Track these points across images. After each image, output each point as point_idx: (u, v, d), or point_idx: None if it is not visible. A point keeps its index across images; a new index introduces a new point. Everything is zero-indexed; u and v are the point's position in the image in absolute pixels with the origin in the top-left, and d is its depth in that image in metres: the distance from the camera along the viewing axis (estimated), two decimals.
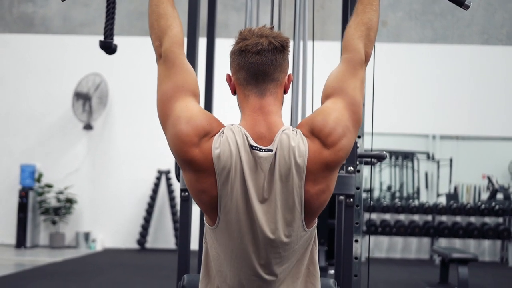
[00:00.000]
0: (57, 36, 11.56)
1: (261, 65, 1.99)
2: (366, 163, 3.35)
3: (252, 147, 1.96)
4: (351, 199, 2.94)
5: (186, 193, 2.98)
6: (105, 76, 11.21)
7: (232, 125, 2.00)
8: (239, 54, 2.02)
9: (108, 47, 3.36)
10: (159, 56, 2.11)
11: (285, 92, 2.07)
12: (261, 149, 1.96)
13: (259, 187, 1.95)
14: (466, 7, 2.42)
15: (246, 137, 1.96)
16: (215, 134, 1.97)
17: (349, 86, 2.07)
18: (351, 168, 2.94)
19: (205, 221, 2.05)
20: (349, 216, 2.98)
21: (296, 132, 1.99)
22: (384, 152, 3.07)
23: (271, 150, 1.96)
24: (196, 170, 1.96)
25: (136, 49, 11.16)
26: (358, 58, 2.14)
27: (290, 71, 2.11)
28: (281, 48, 2.01)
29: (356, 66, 2.12)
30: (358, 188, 3.19)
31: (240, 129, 1.98)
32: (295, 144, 1.95)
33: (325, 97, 2.08)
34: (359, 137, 3.18)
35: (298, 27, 3.51)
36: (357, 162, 3.04)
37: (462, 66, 11.34)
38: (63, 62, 11.49)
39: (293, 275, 2.05)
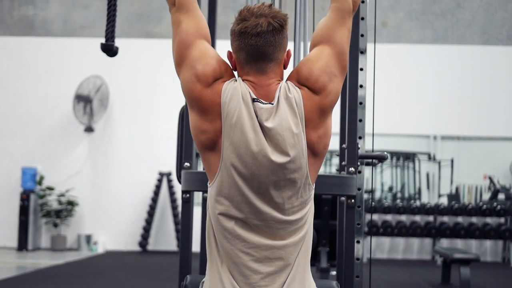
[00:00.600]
0: (57, 38, 11.57)
1: (261, 47, 2.07)
2: (367, 164, 3.35)
3: (253, 100, 2.07)
4: (353, 200, 2.93)
5: (188, 195, 2.98)
6: (106, 79, 11.22)
7: (237, 79, 2.13)
8: (239, 36, 2.09)
9: (109, 49, 3.36)
10: (172, 4, 2.21)
11: (284, 67, 2.17)
12: (262, 102, 2.07)
13: (258, 136, 2.04)
14: None
15: (249, 92, 2.07)
16: (226, 80, 2.11)
17: (337, 35, 2.18)
18: (352, 169, 2.94)
19: (208, 186, 2.15)
20: (351, 217, 2.97)
21: (288, 84, 2.11)
22: (385, 153, 3.07)
23: (271, 104, 2.07)
24: (203, 110, 2.08)
25: (136, 51, 11.17)
26: (346, 7, 2.22)
27: (289, 46, 2.19)
28: (279, 28, 2.08)
29: (344, 15, 2.20)
30: (359, 189, 3.19)
31: (245, 85, 2.10)
32: (291, 96, 2.07)
33: (313, 45, 2.19)
34: (360, 138, 3.17)
35: (299, 28, 3.52)
36: (358, 163, 3.03)
37: (462, 67, 11.34)
38: (63, 65, 11.50)
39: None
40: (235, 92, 2.06)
